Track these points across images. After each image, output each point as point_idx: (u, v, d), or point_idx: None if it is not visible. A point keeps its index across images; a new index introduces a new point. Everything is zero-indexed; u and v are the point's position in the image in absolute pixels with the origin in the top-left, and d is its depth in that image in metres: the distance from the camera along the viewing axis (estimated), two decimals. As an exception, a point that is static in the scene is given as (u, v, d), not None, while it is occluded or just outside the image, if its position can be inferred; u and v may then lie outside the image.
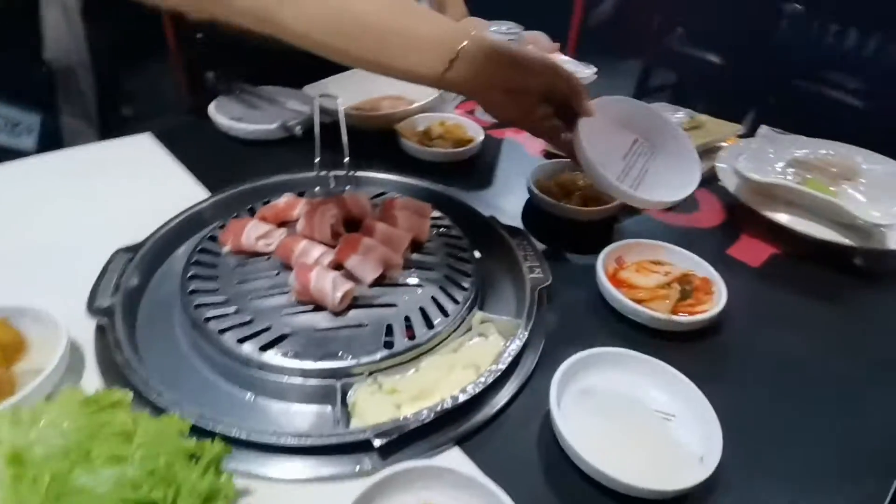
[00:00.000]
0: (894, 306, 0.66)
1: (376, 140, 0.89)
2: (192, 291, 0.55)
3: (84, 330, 0.53)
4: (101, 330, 0.53)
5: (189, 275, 0.57)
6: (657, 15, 3.21)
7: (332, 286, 0.51)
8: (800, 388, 0.54)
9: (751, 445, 0.47)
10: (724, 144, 0.87)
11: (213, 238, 0.63)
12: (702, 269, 0.63)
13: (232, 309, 0.53)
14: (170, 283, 0.61)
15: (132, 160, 0.83)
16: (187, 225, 0.67)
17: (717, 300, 0.59)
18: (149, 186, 0.78)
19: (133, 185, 0.78)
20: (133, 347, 0.52)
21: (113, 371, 0.49)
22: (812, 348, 0.59)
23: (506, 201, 0.80)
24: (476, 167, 0.88)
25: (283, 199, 0.65)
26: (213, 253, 0.61)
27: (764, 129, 0.80)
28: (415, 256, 0.61)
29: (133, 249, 0.62)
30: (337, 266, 0.57)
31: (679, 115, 0.92)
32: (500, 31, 0.93)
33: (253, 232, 0.59)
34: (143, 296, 0.60)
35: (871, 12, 2.06)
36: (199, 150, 0.88)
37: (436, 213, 0.67)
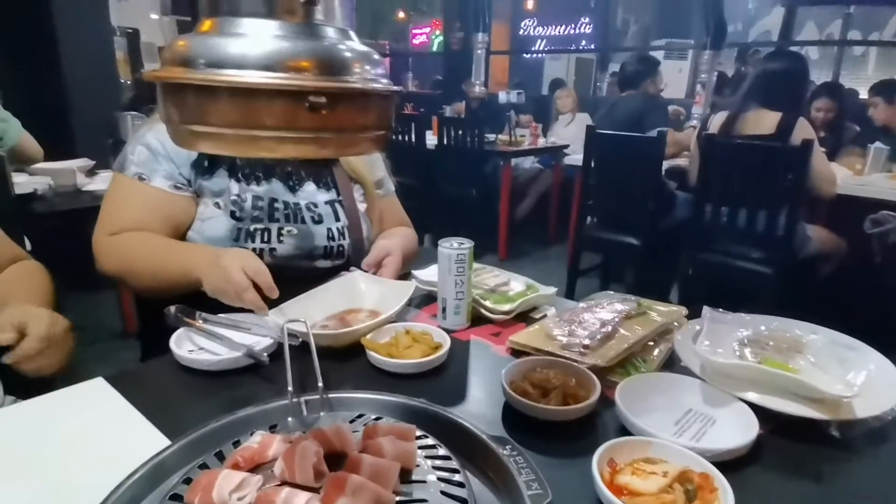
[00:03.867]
0: (874, 473, 0.67)
1: (344, 356, 0.88)
2: (155, 570, 0.48)
3: None
4: None
5: (150, 548, 0.50)
6: (573, 205, 3.62)
7: (323, 542, 0.46)
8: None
9: None
10: (675, 325, 0.92)
11: (175, 497, 0.56)
12: (696, 462, 0.62)
13: (203, 586, 0.46)
14: (123, 559, 0.52)
15: (84, 410, 0.77)
16: (146, 482, 0.60)
17: (723, 499, 0.57)
18: (101, 439, 0.71)
19: (83, 440, 0.71)
20: None
21: None
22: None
23: (484, 407, 0.79)
24: (447, 373, 0.88)
25: (256, 440, 0.61)
26: (178, 515, 0.54)
27: (707, 311, 0.86)
28: (404, 488, 0.57)
29: (80, 522, 0.54)
30: (324, 513, 0.51)
31: (625, 305, 0.98)
32: (451, 247, 1.01)
33: (225, 485, 0.53)
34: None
35: (747, 196, 2.40)
36: (157, 390, 0.83)
37: (417, 433, 0.64)
